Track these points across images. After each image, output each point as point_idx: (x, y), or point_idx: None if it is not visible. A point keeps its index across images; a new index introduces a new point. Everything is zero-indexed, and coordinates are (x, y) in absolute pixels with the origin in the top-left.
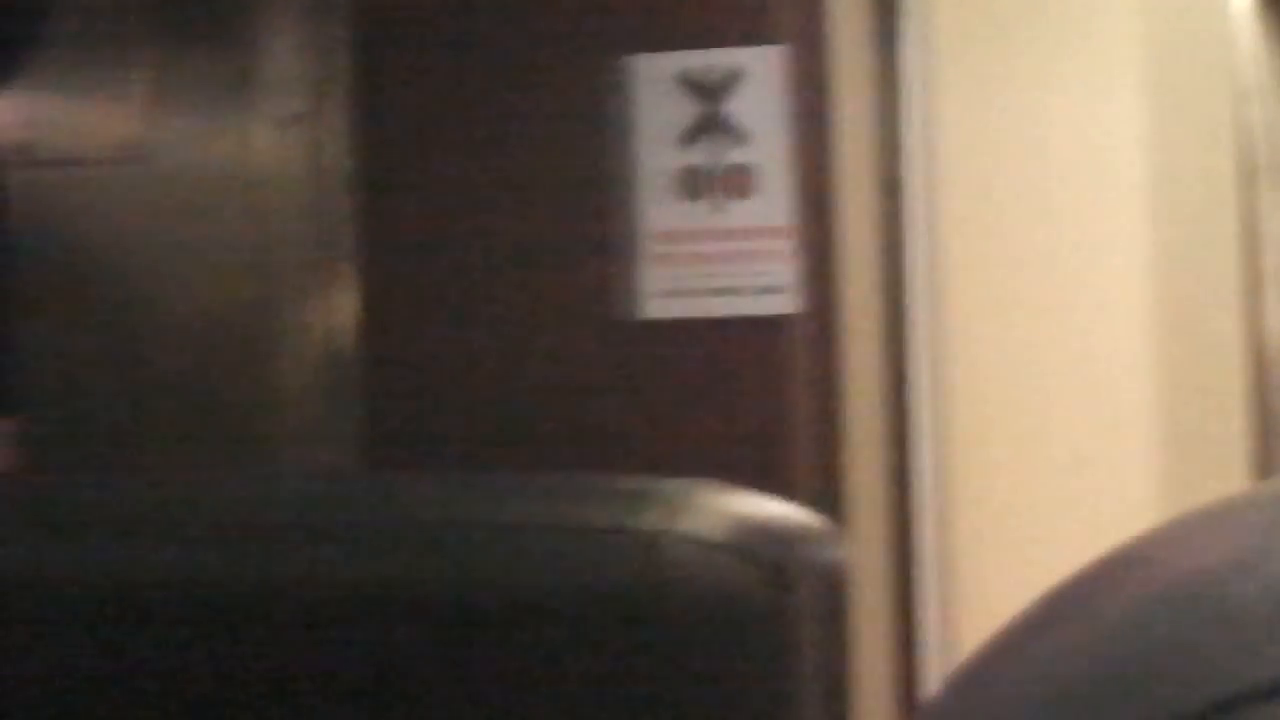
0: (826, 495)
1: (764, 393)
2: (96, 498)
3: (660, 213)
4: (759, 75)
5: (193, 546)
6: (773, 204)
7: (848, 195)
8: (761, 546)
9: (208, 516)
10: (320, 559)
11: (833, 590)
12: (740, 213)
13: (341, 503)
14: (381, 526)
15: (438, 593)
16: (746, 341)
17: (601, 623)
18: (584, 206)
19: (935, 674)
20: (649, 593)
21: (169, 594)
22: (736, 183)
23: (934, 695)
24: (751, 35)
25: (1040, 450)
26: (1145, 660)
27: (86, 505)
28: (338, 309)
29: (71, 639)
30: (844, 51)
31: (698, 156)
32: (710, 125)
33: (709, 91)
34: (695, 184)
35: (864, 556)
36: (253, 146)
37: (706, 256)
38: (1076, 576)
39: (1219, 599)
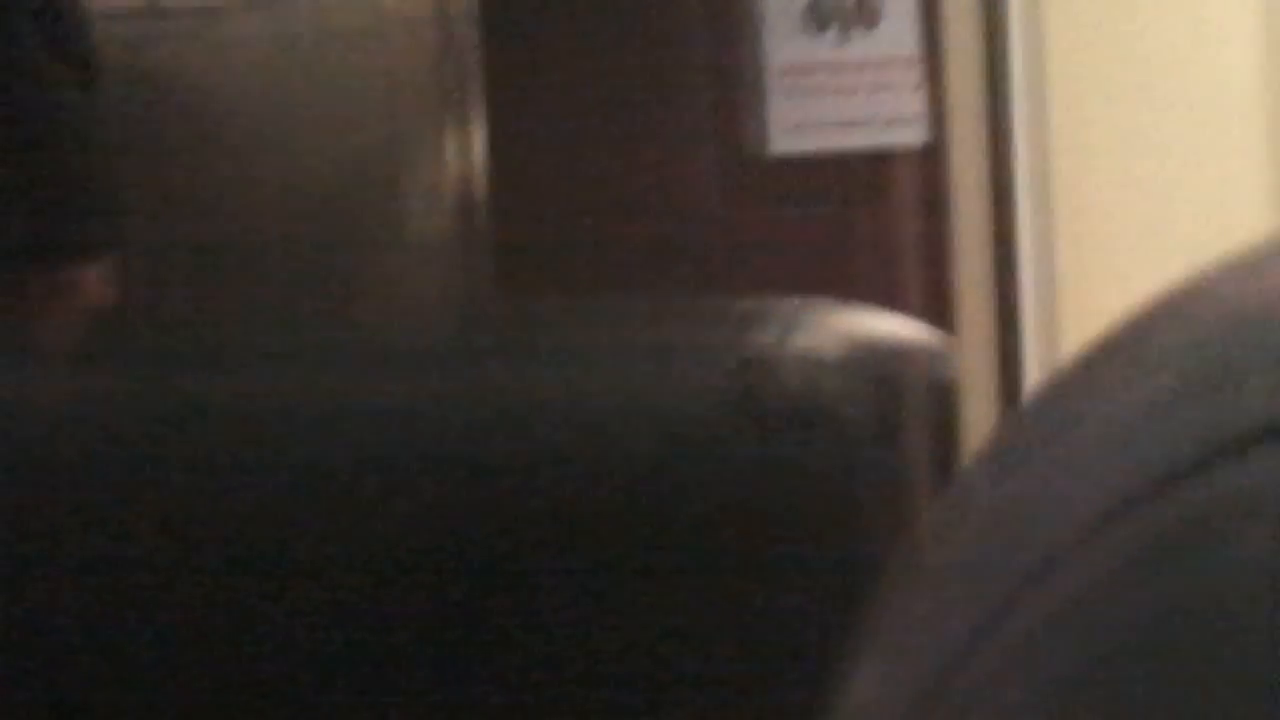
0: (936, 310)
1: (877, 216)
2: (229, 331)
3: (786, 45)
4: None
5: (330, 374)
6: (899, 34)
7: (955, 23)
8: (873, 361)
9: (339, 345)
10: (451, 382)
11: (944, 403)
12: (867, 44)
13: (462, 329)
14: (503, 348)
15: (557, 410)
16: (866, 169)
17: (716, 440)
18: (710, 40)
19: None
20: (763, 409)
21: (310, 420)
22: (863, 13)
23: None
24: None
25: (1150, 260)
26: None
27: (220, 338)
28: (466, 152)
29: (210, 473)
30: None
31: None
32: None
33: None
34: (821, 15)
35: (973, 368)
36: None
37: (832, 88)
38: (1140, 313)
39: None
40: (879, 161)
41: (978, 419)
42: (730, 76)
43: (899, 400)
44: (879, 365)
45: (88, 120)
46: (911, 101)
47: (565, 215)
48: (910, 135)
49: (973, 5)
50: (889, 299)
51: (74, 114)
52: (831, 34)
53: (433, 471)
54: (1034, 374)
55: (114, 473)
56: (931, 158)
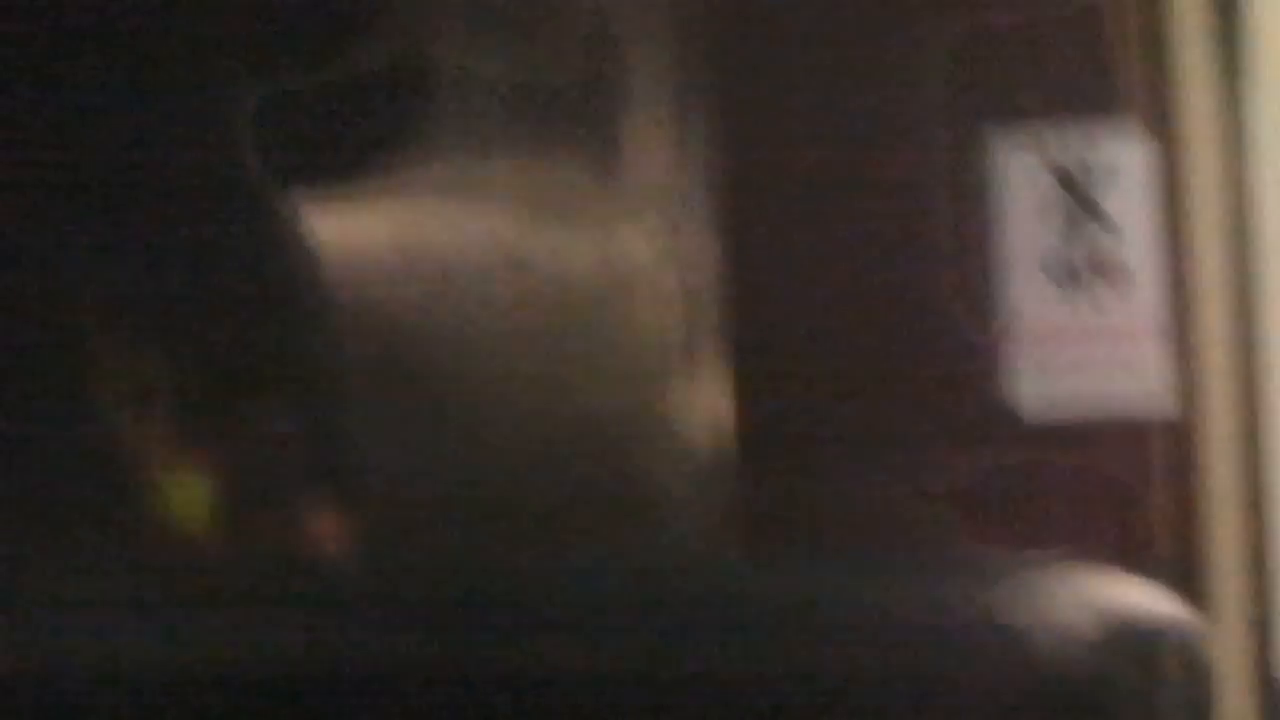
0: (1186, 581)
1: (1128, 482)
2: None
3: (1032, 307)
4: (1129, 164)
5: (563, 632)
6: (1146, 296)
7: (1204, 285)
8: (1128, 637)
9: (584, 604)
10: (701, 644)
11: (1198, 685)
12: (1113, 306)
13: (717, 589)
14: (751, 614)
15: (810, 677)
16: (1114, 431)
17: (961, 714)
18: (955, 301)
19: None
20: (1013, 684)
21: (546, 682)
22: (1109, 275)
23: None
24: (1115, 118)
25: None
26: None
27: (469, 593)
28: (713, 405)
29: None
30: (1194, 134)
31: (1070, 249)
32: (1077, 213)
33: (1079, 182)
34: (1067, 276)
35: (1227, 646)
36: (623, 246)
37: (1079, 353)
38: None
39: None
40: (1127, 430)
41: (1232, 704)
42: (975, 337)
43: (1154, 680)
44: (1134, 641)
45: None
46: (1159, 368)
47: (817, 473)
48: (1158, 402)
49: (1223, 272)
50: (1140, 572)
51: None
52: (1079, 295)
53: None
54: None
55: None
56: (1183, 428)
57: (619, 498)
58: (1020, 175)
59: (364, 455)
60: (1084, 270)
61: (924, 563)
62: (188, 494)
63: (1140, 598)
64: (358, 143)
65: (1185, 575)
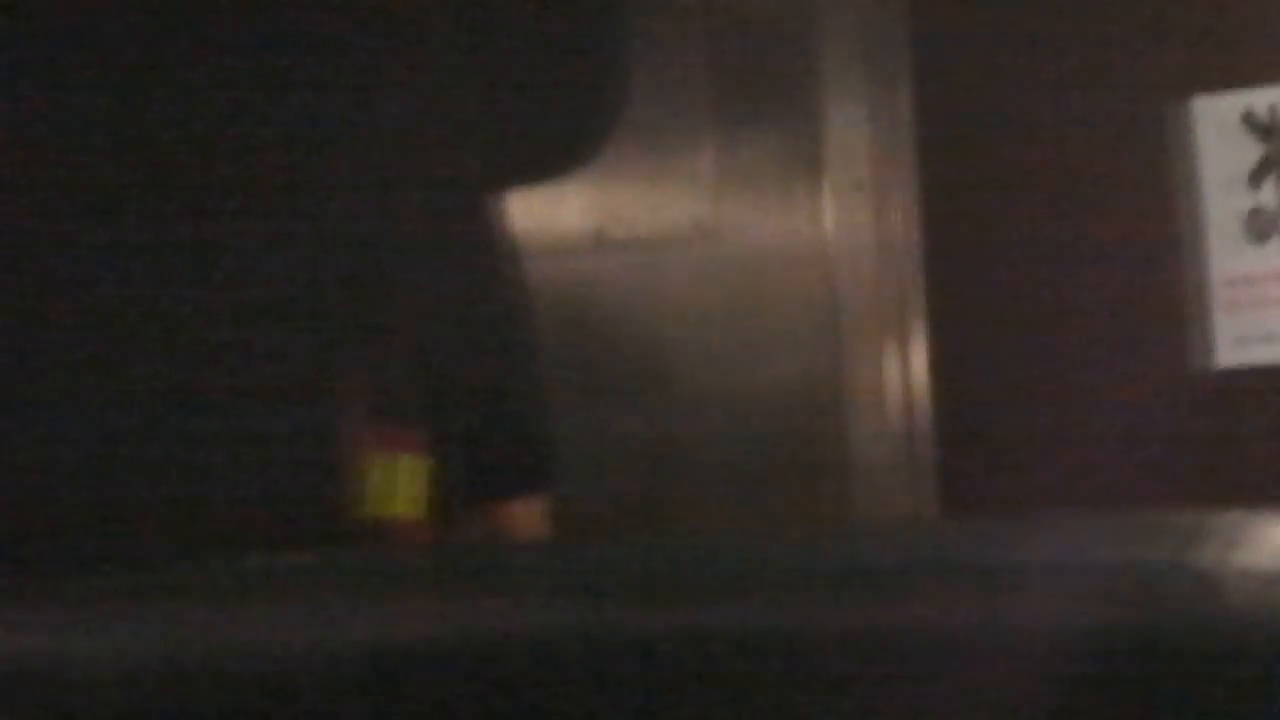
0: None
1: None
2: (655, 560)
3: (1229, 258)
4: None
5: (753, 601)
6: None
7: None
8: None
9: (769, 571)
10: (882, 603)
11: None
12: None
13: (902, 549)
14: (932, 568)
15: (985, 636)
16: None
17: (1161, 663)
18: (1152, 256)
19: None
20: (1210, 631)
21: (732, 649)
22: None
23: None
24: None
25: None
26: None
27: (642, 567)
28: (910, 378)
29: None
30: None
31: (1264, 197)
32: (1276, 164)
33: (1273, 130)
34: (1262, 225)
35: None
36: (819, 219)
37: (1278, 299)
38: None
39: None
40: None
41: None
42: (1174, 291)
43: None
44: None
45: (535, 356)
46: None
47: (1008, 437)
48: None
49: None
50: None
51: (524, 350)
52: (1274, 243)
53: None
54: None
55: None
56: None
57: (813, 464)
58: (1218, 132)
59: (563, 436)
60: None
61: (1113, 519)
62: (404, 474)
63: None
64: (564, 134)
65: None
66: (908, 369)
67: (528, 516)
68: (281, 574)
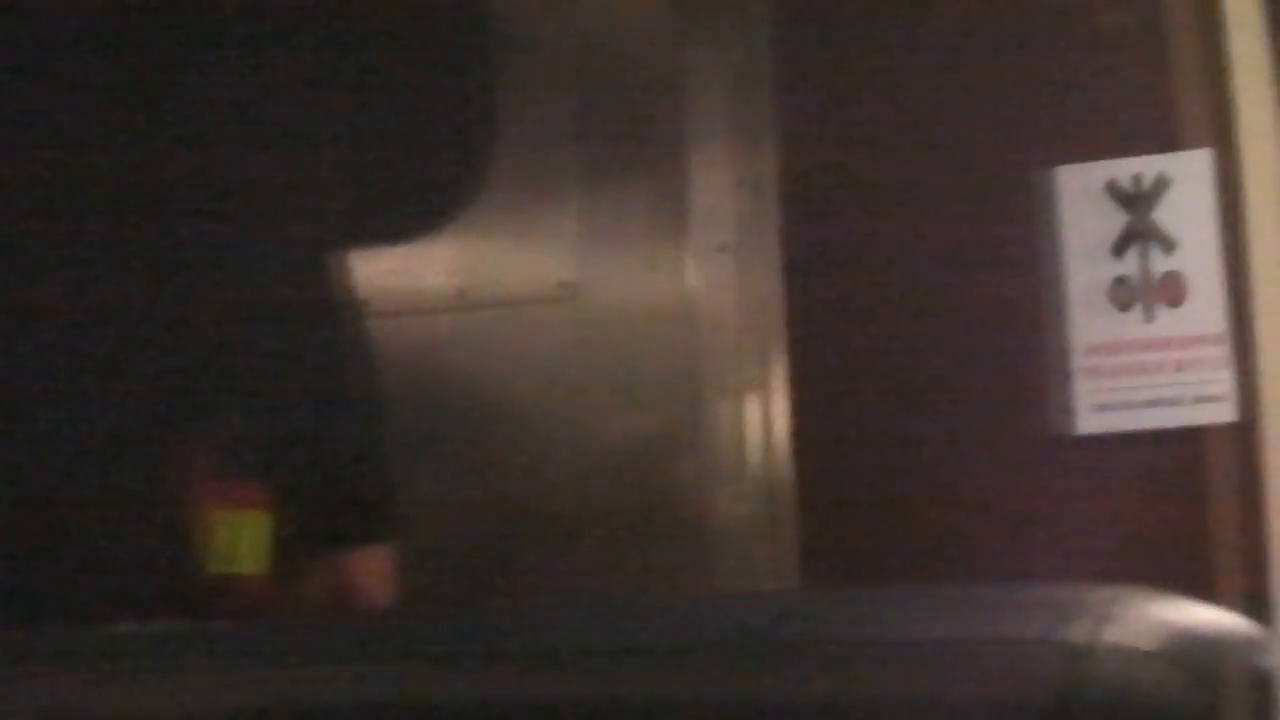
0: (1253, 602)
1: (1190, 501)
2: (497, 625)
3: (1091, 325)
4: (1186, 181)
5: (597, 669)
6: (1206, 311)
7: (1267, 298)
8: (1192, 653)
9: (612, 638)
10: (740, 677)
11: (1264, 696)
12: (1172, 322)
13: (759, 620)
14: (798, 643)
15: (859, 710)
16: (1175, 450)
17: None
18: (1014, 320)
19: None
20: (1081, 704)
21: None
22: (1168, 292)
23: None
24: (1171, 141)
25: None
26: None
27: (486, 632)
28: (771, 440)
29: None
30: (1259, 153)
31: (1127, 266)
32: (1139, 234)
33: (1136, 199)
34: (1125, 294)
35: None
36: (684, 278)
37: (1138, 368)
38: None
39: None
40: (1188, 441)
41: None
42: (1037, 356)
43: (1218, 694)
44: (1197, 657)
45: (377, 411)
46: (1220, 379)
47: (870, 501)
48: (1219, 413)
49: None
50: (1202, 587)
51: (366, 405)
52: (1136, 312)
53: None
54: None
55: None
56: (1244, 436)
57: (674, 525)
58: (1081, 201)
59: (420, 491)
60: (1143, 288)
61: (983, 592)
62: (248, 530)
63: (1203, 615)
64: (426, 193)
65: (1250, 590)
66: (769, 431)
67: (371, 567)
68: (146, 644)
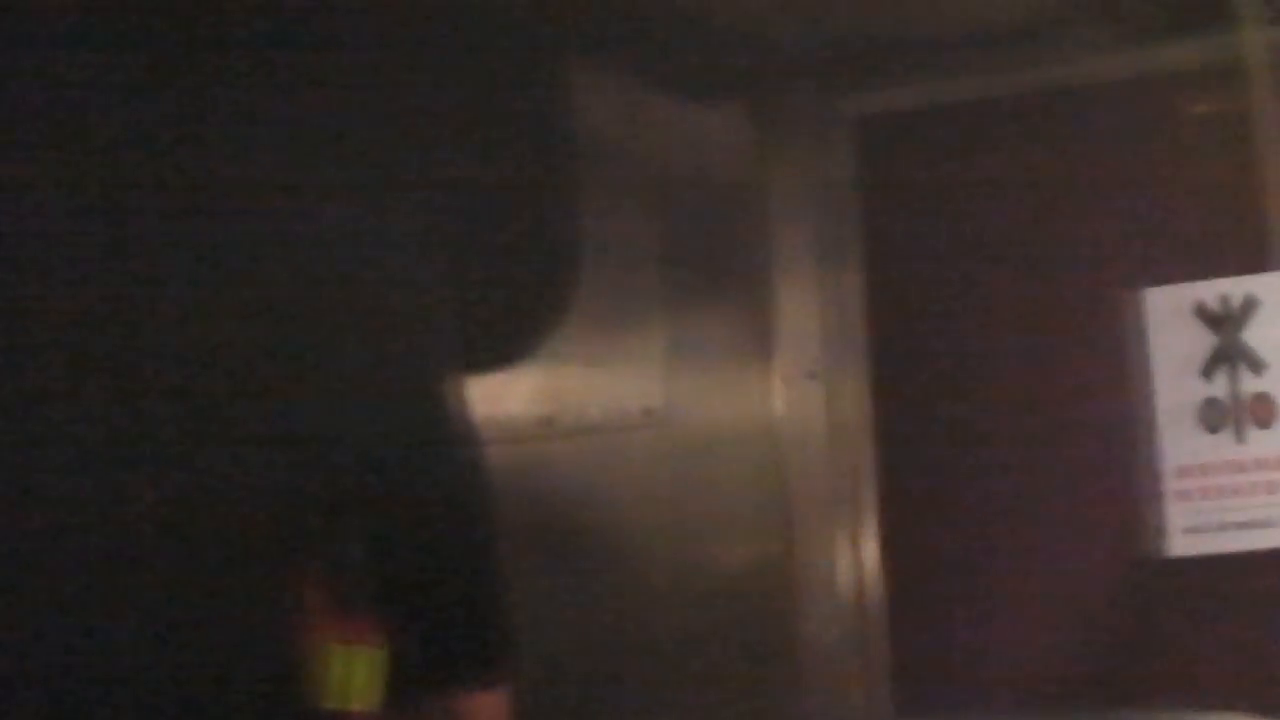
0: None
1: None
2: None
3: (1181, 446)
4: (1275, 301)
5: None
6: None
7: None
8: None
9: None
10: None
11: None
12: (1263, 443)
13: None
14: None
15: None
16: (1270, 570)
17: None
18: (1105, 441)
19: None
20: None
21: None
22: (1258, 413)
23: None
24: (1260, 262)
25: None
26: None
27: None
28: (862, 565)
29: None
30: None
31: (1216, 388)
32: (1228, 355)
33: (1224, 321)
34: (1215, 415)
35: None
36: (771, 403)
37: (1230, 489)
38: None
39: None
40: None
41: None
42: (1127, 478)
43: None
44: None
45: (495, 547)
46: None
47: (961, 628)
48: None
49: None
50: None
51: (484, 540)
52: (1226, 434)
53: None
54: None
55: None
56: None
57: (764, 650)
58: (1171, 323)
59: (522, 628)
60: (1233, 409)
61: (1098, 717)
62: (361, 666)
63: None
64: (514, 322)
65: None
66: (859, 556)
67: (489, 710)
68: None
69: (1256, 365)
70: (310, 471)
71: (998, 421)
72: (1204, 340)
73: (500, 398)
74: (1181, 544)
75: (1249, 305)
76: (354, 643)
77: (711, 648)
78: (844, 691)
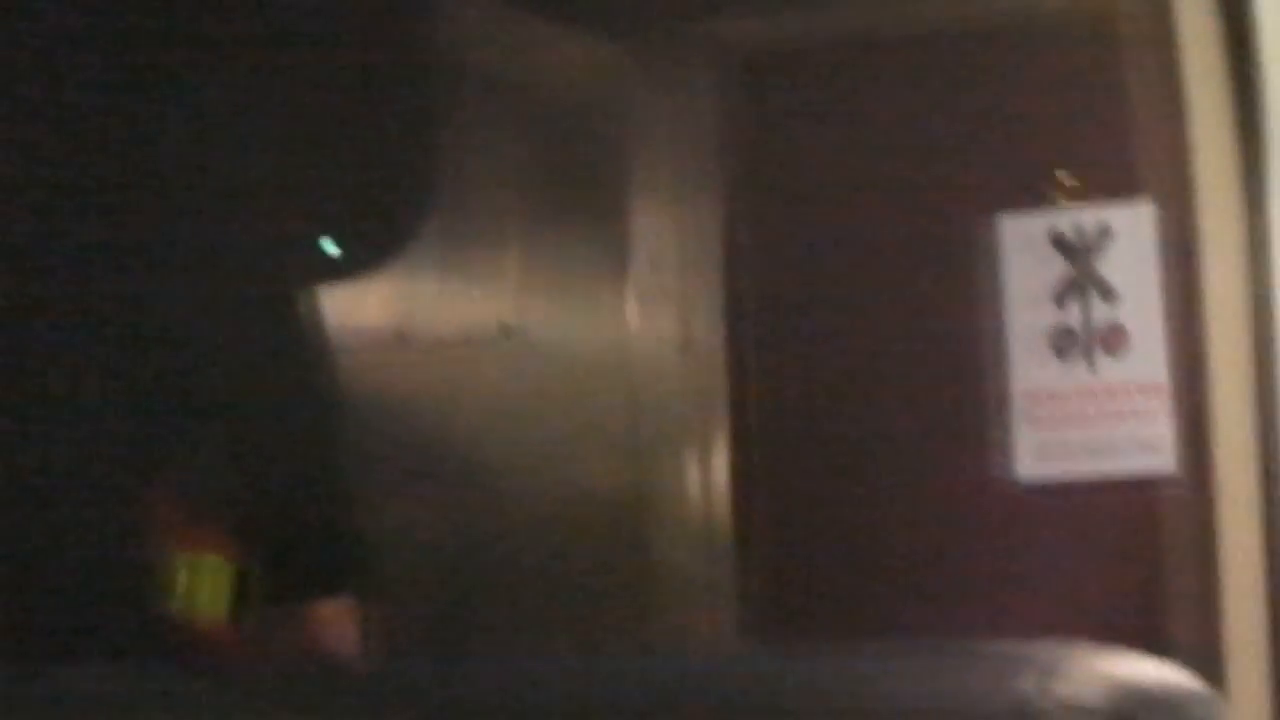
0: (1202, 655)
1: (1138, 552)
2: (452, 682)
3: (1032, 372)
4: (1129, 233)
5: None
6: (1146, 361)
7: (1218, 349)
8: (1140, 710)
9: (562, 700)
10: None
11: None
12: (1114, 370)
13: (708, 684)
14: (741, 703)
15: None
16: (1120, 501)
17: None
18: (957, 366)
19: None
20: None
21: None
22: (1108, 341)
23: None
24: (1120, 192)
25: None
26: None
27: (444, 691)
28: (711, 485)
29: None
30: (1212, 204)
31: (1069, 316)
32: (1081, 284)
33: (1079, 250)
34: (1066, 343)
35: (1242, 718)
36: (626, 323)
37: (1079, 416)
38: None
39: None
40: (1135, 490)
41: None
42: (978, 404)
43: None
44: (1144, 714)
45: (346, 460)
46: (1160, 429)
47: (811, 543)
48: (1159, 463)
49: (1237, 324)
50: (1151, 641)
51: (335, 453)
52: (1077, 361)
53: None
54: None
55: None
56: (1195, 488)
57: (613, 565)
58: (1027, 251)
59: (375, 542)
60: (1085, 338)
61: (929, 647)
62: (209, 574)
63: (1150, 671)
64: (370, 233)
65: (1199, 647)
66: (709, 476)
67: (335, 620)
68: (108, 692)
69: (1108, 294)
70: (162, 380)
71: (851, 344)
72: (1058, 268)
73: (353, 310)
74: (1030, 468)
75: (1103, 235)
76: (203, 552)
77: (562, 565)
78: (690, 612)
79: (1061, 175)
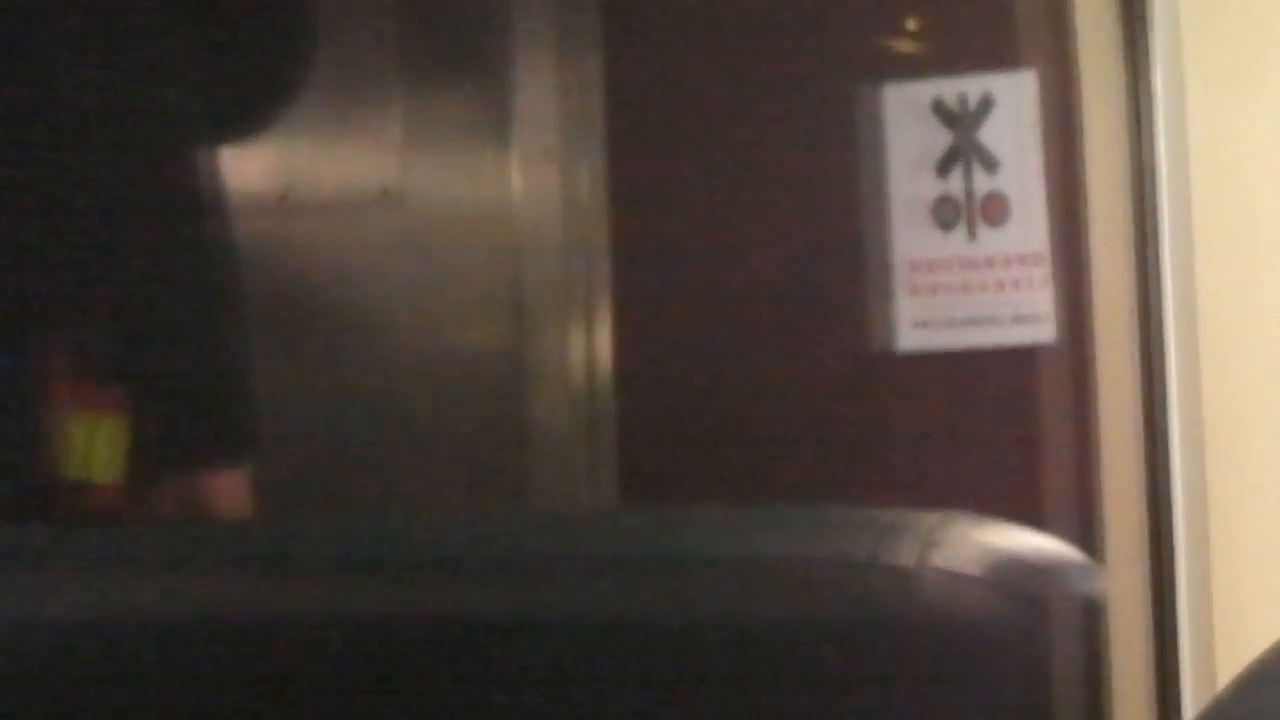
0: (1080, 526)
1: (1017, 422)
2: (334, 538)
3: (913, 242)
4: (1011, 102)
5: (424, 583)
6: (1028, 231)
7: (1099, 220)
8: (1016, 579)
9: (441, 554)
10: (568, 596)
11: (1088, 622)
12: (995, 241)
13: (590, 539)
14: (617, 561)
15: (688, 629)
16: (1001, 371)
17: (856, 657)
18: (837, 236)
19: (1192, 706)
20: (904, 627)
21: (402, 630)
22: (990, 211)
23: None
24: (1001, 61)
25: None
26: None
27: (326, 547)
28: (593, 344)
29: (307, 679)
30: (1092, 73)
31: (951, 185)
32: (963, 153)
33: (961, 119)
34: (948, 212)
35: (1120, 587)
36: (508, 184)
37: (960, 286)
38: None
39: None
40: (1015, 361)
41: (1126, 639)
42: (858, 274)
43: (1042, 621)
44: (1021, 584)
45: (235, 320)
46: (1041, 299)
47: (691, 409)
48: (1040, 334)
49: (1115, 197)
50: (1028, 509)
51: (229, 316)
52: (958, 231)
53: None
54: (1185, 594)
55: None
56: (1073, 358)
57: (494, 431)
58: (908, 119)
59: (261, 407)
60: (966, 207)
61: (808, 515)
62: (102, 436)
63: (1028, 541)
64: (249, 95)
65: (1077, 517)
66: (591, 339)
67: (227, 487)
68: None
69: (990, 164)
70: (54, 240)
71: (732, 208)
72: (940, 137)
73: (234, 173)
74: (910, 338)
75: (986, 104)
76: (97, 414)
77: (444, 424)
78: (571, 476)
79: (943, 43)
